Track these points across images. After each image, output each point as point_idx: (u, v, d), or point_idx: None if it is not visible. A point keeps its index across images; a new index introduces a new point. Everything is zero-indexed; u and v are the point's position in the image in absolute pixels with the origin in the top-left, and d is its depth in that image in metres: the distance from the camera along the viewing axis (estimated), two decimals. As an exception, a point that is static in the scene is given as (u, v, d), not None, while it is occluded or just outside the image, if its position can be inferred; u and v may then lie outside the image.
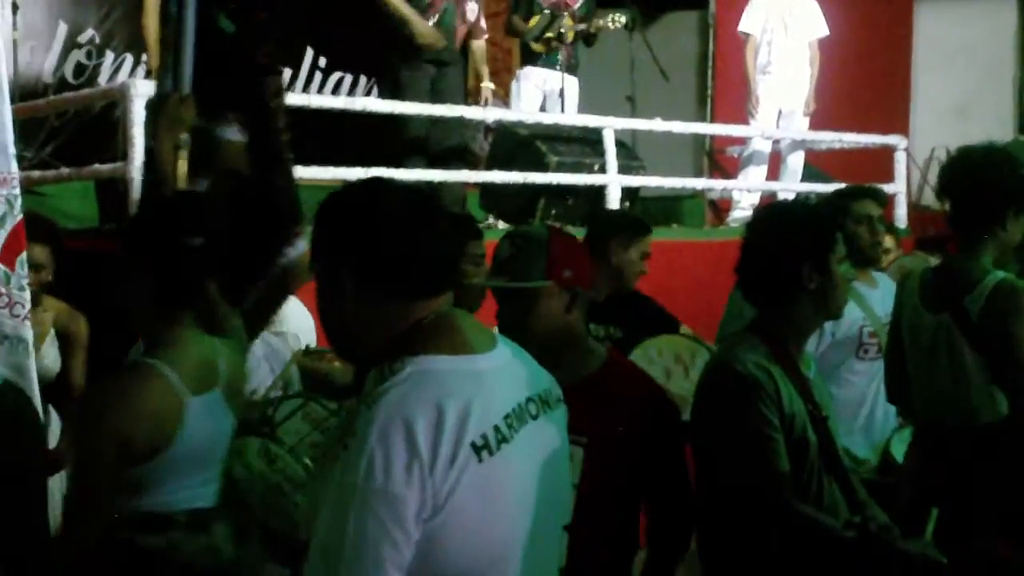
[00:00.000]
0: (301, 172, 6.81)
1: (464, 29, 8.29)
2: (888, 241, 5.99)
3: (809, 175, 9.90)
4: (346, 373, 4.19)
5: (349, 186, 2.35)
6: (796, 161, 9.87)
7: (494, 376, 2.27)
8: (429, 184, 7.49)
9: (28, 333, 4.54)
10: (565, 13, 9.26)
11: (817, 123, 9.96)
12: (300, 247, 4.13)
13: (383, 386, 2.17)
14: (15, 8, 8.23)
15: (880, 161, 9.93)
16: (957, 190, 4.08)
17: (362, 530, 2.05)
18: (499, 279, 3.29)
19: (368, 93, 10.94)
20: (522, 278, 3.23)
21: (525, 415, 2.30)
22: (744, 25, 9.77)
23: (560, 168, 7.99)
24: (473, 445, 2.14)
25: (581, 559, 3.17)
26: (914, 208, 9.71)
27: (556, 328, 3.26)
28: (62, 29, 9.47)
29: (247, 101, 4.18)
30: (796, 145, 9.85)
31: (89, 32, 9.60)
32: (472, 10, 8.37)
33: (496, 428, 2.20)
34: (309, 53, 10.74)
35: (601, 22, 9.26)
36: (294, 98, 8.26)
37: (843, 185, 5.43)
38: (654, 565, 3.44)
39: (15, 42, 7.91)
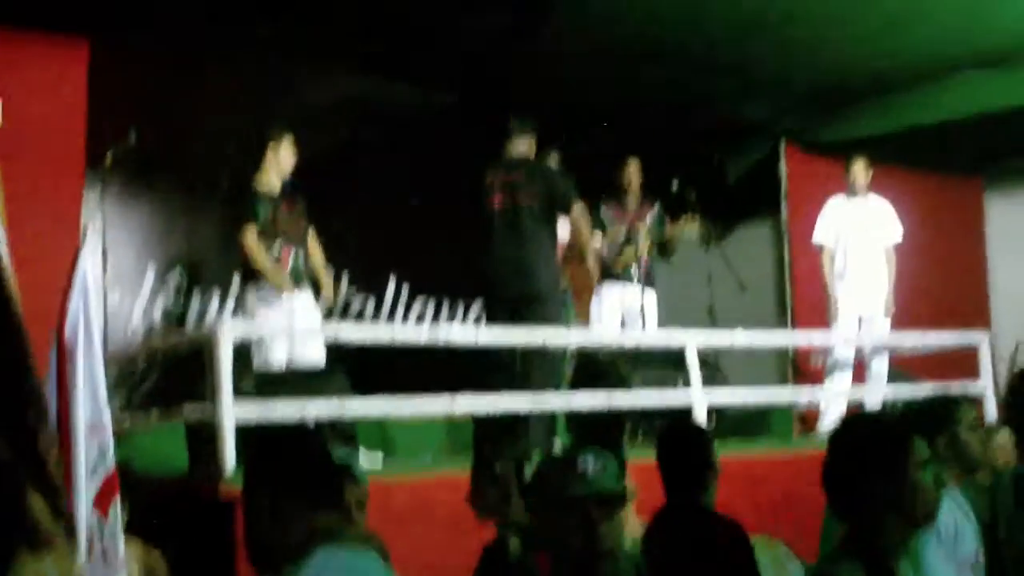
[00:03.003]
0: (388, 406, 6.99)
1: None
2: (1005, 439, 5.79)
3: (894, 377, 9.83)
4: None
5: (269, 435, 3.48)
6: (880, 365, 9.80)
7: (370, 567, 3.12)
8: (514, 415, 7.54)
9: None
10: (639, 234, 9.40)
11: (898, 323, 9.92)
12: None
13: (298, 570, 2.94)
14: (104, 254, 8.48)
15: (964, 357, 9.83)
16: None
17: None
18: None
19: (453, 318, 11.07)
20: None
21: None
22: (818, 236, 9.85)
23: (644, 387, 7.99)
24: None
25: None
26: (1002, 403, 9.56)
27: None
28: (151, 273, 9.74)
29: None
30: (879, 349, 9.80)
31: (177, 274, 9.87)
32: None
33: None
34: (391, 282, 10.93)
35: (674, 230, 9.41)
36: (380, 332, 8.43)
37: (929, 390, 5.31)
38: None
39: (105, 289, 8.12)
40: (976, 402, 4.97)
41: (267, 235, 7.85)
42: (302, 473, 3.12)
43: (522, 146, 8.28)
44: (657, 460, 4.87)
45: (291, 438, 3.34)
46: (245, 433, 6.16)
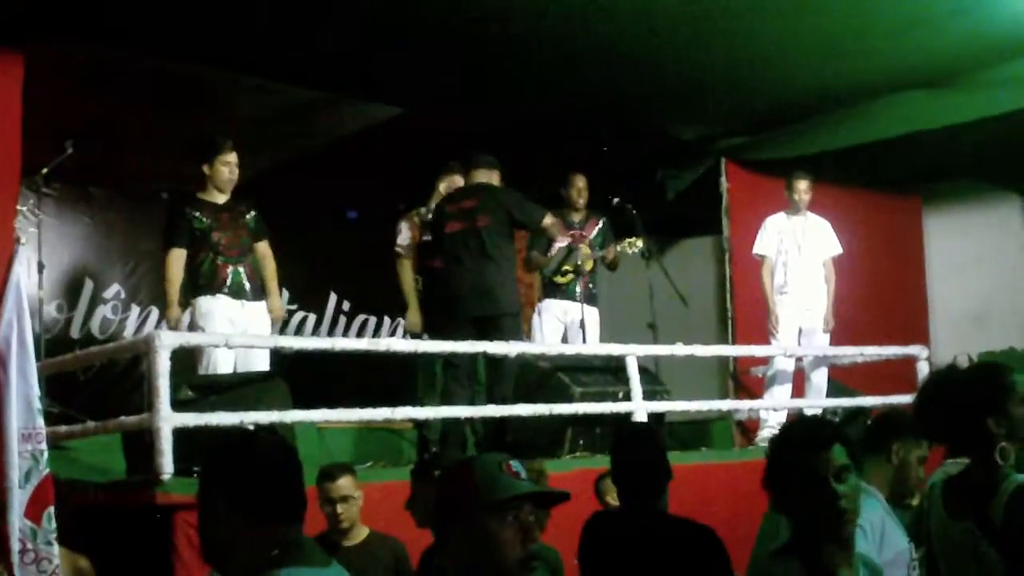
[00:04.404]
0: (329, 415, 6.96)
1: None
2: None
3: (834, 390, 9.90)
4: None
5: (226, 435, 3.26)
6: (820, 377, 9.89)
7: None
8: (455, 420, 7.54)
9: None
10: (581, 245, 9.41)
11: (837, 338, 10.00)
12: None
13: None
14: (41, 268, 8.41)
15: (902, 372, 9.92)
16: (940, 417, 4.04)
17: None
18: None
19: (393, 334, 11.07)
20: None
21: None
22: (758, 248, 9.93)
23: (584, 398, 8.01)
24: None
25: None
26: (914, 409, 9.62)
27: None
28: (88, 286, 9.65)
29: None
30: (819, 361, 9.88)
31: (115, 287, 9.80)
32: None
33: None
34: (332, 298, 10.91)
35: (618, 248, 9.41)
36: (319, 342, 8.41)
37: (868, 403, 5.33)
38: None
39: (41, 300, 8.05)
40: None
41: (202, 249, 7.80)
42: (268, 484, 2.87)
43: (482, 176, 8.42)
44: (613, 464, 4.86)
45: (257, 444, 3.03)
46: (201, 436, 6.11)
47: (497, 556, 2.92)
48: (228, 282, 7.82)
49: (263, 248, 8.13)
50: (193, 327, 7.84)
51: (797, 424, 3.70)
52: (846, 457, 3.32)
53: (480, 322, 8.07)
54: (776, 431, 8.96)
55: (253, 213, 8.07)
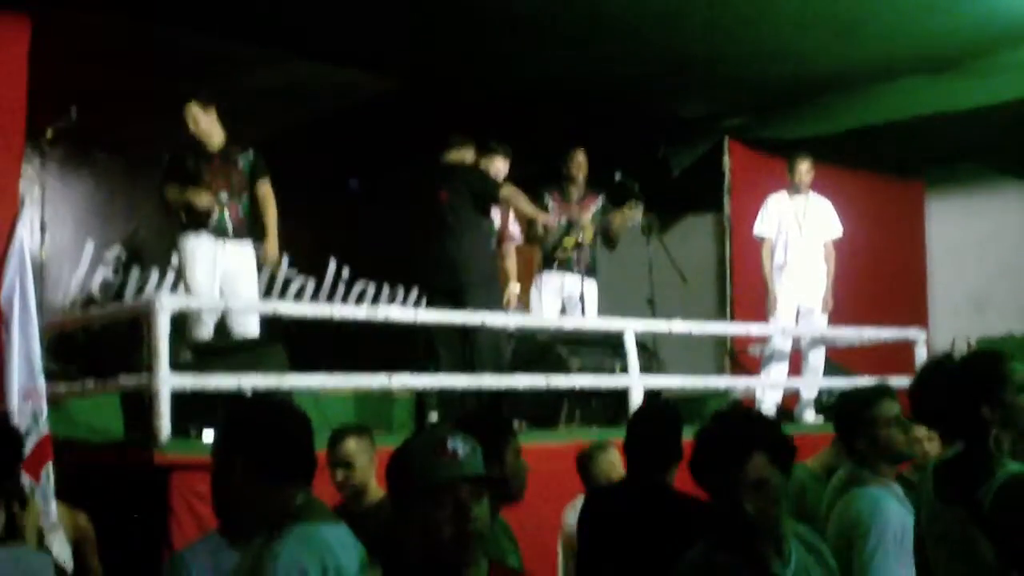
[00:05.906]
0: (327, 381, 6.99)
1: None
2: (923, 432, 5.82)
3: (830, 370, 9.92)
4: None
5: (248, 398, 3.47)
6: (817, 357, 9.91)
7: (347, 541, 3.05)
8: (453, 390, 7.57)
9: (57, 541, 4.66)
10: (581, 220, 9.43)
11: (836, 319, 10.02)
12: None
13: (279, 545, 2.92)
14: (43, 227, 8.44)
15: (900, 354, 9.93)
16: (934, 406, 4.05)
17: None
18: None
19: (392, 301, 11.09)
20: None
21: (366, 571, 3.07)
22: (759, 228, 9.93)
23: (582, 371, 8.03)
24: None
25: None
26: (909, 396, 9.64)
27: None
28: (90, 247, 9.68)
29: None
30: (816, 342, 9.90)
31: (116, 249, 9.82)
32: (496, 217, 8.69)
33: None
34: (332, 264, 10.92)
35: (618, 213, 9.44)
36: (318, 309, 8.42)
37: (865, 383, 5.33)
38: None
39: (42, 260, 8.08)
40: (894, 396, 4.90)
41: (190, 188, 7.84)
42: (287, 445, 3.06)
43: (455, 155, 8.58)
44: (628, 436, 4.85)
45: (278, 407, 3.26)
46: (199, 399, 6.14)
47: (430, 538, 2.90)
48: (213, 222, 7.84)
49: (263, 188, 8.09)
50: (180, 268, 7.90)
51: (717, 426, 3.58)
52: (768, 467, 3.26)
53: (447, 295, 8.21)
54: (772, 410, 9.00)
55: (248, 153, 8.06)
